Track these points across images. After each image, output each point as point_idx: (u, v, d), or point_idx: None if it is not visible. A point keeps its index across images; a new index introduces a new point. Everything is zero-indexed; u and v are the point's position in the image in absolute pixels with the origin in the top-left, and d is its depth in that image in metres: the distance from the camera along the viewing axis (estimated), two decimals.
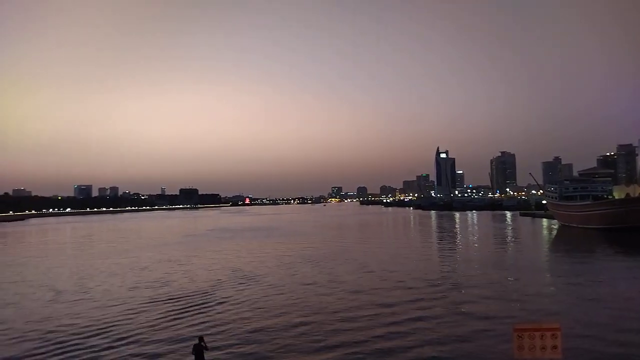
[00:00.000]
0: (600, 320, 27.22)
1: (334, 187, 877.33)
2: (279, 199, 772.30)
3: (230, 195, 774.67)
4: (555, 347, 15.53)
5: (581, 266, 49.68)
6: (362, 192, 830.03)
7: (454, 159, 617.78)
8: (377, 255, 62.01)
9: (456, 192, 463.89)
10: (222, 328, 27.22)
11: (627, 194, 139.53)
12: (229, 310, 31.88)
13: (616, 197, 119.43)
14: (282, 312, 30.96)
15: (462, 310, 30.52)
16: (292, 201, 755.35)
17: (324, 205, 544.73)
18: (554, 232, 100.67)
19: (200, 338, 17.94)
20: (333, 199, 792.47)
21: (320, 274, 46.32)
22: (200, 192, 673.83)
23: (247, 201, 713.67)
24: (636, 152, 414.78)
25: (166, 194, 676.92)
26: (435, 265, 52.16)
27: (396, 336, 25.00)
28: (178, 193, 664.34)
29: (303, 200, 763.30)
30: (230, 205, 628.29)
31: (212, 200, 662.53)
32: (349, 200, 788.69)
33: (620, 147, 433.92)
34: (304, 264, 53.97)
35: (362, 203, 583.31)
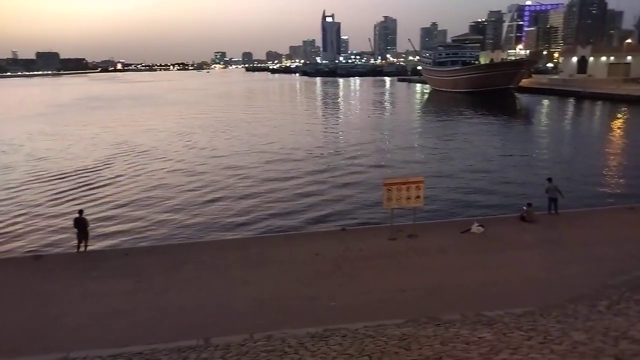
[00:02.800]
0: (454, 171, 31.66)
1: (218, 52, 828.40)
2: (156, 65, 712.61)
3: (98, 60, 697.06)
4: (418, 197, 18.05)
5: (445, 126, 55.48)
6: (247, 57, 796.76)
7: (339, 23, 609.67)
8: (263, 124, 62.63)
9: (341, 59, 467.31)
10: (110, 203, 26.70)
11: (491, 60, 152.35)
12: (118, 187, 30.96)
13: (482, 63, 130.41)
14: (162, 189, 30.94)
15: (340, 172, 33.18)
16: (172, 67, 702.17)
17: (208, 72, 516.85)
18: (426, 97, 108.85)
19: (80, 211, 17.54)
20: (217, 65, 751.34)
21: (205, 148, 46.04)
22: (62, 57, 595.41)
23: (120, 67, 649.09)
24: (504, 19, 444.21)
25: (19, 58, 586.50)
26: (318, 132, 54.56)
27: (279, 202, 26.78)
28: (34, 57, 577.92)
29: (184, 67, 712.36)
30: (100, 72, 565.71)
31: (78, 66, 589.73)
32: (234, 66, 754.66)
33: (491, 13, 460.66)
34: (189, 136, 52.87)
35: (247, 70, 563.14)
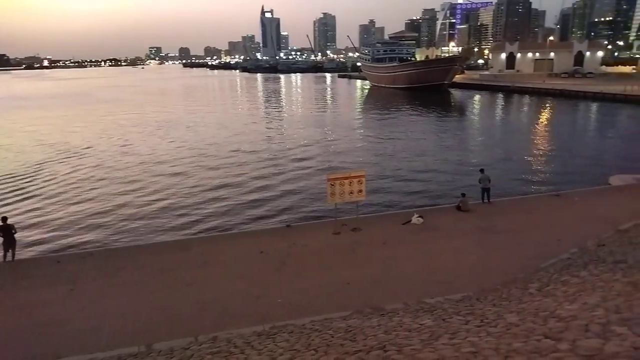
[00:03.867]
0: (394, 165, 32.54)
1: (152, 48, 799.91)
2: (87, 61, 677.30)
3: (22, 56, 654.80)
4: (360, 191, 18.37)
5: (385, 121, 56.81)
6: (184, 53, 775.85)
7: (278, 19, 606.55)
8: (203, 123, 61.28)
9: (281, 55, 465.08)
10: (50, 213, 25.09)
11: (427, 56, 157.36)
12: (47, 192, 29.13)
13: (417, 59, 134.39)
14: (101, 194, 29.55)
15: (284, 170, 33.14)
16: (103, 63, 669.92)
17: (142, 68, 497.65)
18: (366, 92, 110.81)
19: (4, 218, 16.34)
20: (152, 61, 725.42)
21: (139, 149, 44.38)
22: None
23: (47, 64, 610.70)
24: (437, 17, 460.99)
25: None
26: (261, 130, 54.16)
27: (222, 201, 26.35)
28: None
29: (116, 63, 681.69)
30: (25, 69, 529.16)
31: None
32: (171, 62, 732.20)
33: (425, 11, 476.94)
34: (122, 136, 50.76)
35: (185, 65, 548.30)
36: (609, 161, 32.16)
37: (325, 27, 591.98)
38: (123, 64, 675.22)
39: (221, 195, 26.44)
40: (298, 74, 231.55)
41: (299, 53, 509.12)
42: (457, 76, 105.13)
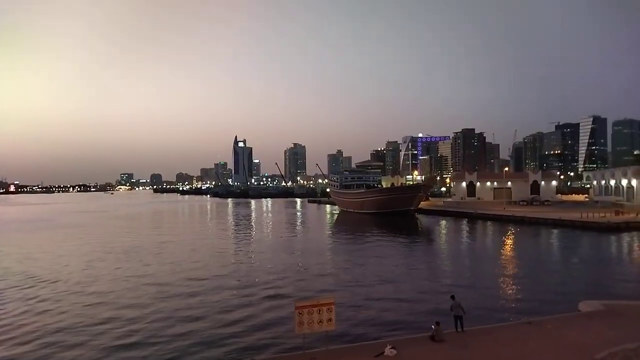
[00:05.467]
0: (365, 292, 31.77)
1: (124, 174, 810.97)
2: (55, 187, 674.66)
3: None
4: (330, 319, 17.59)
5: (355, 246, 56.95)
6: (156, 179, 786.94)
7: (251, 148, 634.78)
8: (169, 249, 59.99)
9: (253, 181, 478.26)
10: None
11: (392, 184, 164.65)
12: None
13: (384, 186, 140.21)
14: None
15: (252, 298, 31.89)
16: (72, 189, 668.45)
17: (112, 194, 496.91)
18: (335, 217, 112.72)
19: None
20: (123, 187, 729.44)
21: (96, 281, 42.51)
22: None
23: (13, 189, 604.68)
24: (400, 148, 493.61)
25: None
26: (229, 255, 53.22)
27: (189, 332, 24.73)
28: None
29: (85, 188, 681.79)
30: None
31: None
32: (142, 188, 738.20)
33: (389, 143, 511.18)
34: (77, 265, 48.78)
35: (155, 191, 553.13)
36: (575, 286, 32.45)
37: (296, 155, 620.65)
38: (92, 189, 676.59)
39: (182, 328, 24.78)
40: (269, 199, 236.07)
41: (270, 179, 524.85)
42: (422, 202, 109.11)
